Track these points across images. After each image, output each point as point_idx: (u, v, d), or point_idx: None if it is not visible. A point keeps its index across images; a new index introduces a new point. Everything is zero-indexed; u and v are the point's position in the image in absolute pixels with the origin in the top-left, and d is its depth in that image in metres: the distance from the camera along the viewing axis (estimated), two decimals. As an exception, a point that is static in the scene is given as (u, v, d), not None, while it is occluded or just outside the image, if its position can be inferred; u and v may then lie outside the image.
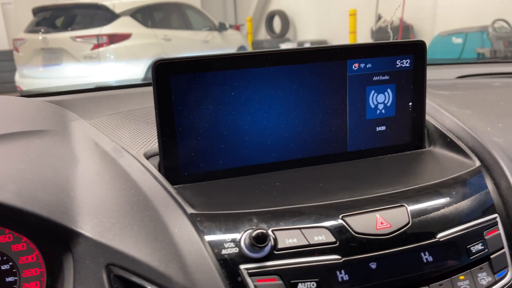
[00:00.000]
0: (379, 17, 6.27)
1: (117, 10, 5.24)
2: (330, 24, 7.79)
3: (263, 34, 9.25)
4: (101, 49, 5.04)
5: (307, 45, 7.60)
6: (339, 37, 7.54)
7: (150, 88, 1.05)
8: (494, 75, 1.15)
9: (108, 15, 5.22)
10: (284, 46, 7.93)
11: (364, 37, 6.71)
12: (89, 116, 0.81)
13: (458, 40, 5.14)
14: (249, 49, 7.45)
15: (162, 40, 5.58)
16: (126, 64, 5.17)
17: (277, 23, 8.74)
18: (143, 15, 5.57)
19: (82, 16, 5.44)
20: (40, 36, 5.11)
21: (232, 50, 6.84)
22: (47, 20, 5.36)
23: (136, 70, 5.19)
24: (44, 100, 0.81)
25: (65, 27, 5.32)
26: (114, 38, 5.11)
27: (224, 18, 9.44)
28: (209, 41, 6.33)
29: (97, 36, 5.04)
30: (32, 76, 5.33)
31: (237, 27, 7.66)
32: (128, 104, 0.92)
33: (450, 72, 1.17)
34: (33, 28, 5.29)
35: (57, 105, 0.83)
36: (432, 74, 1.18)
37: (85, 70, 5.05)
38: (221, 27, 6.61)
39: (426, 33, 6.24)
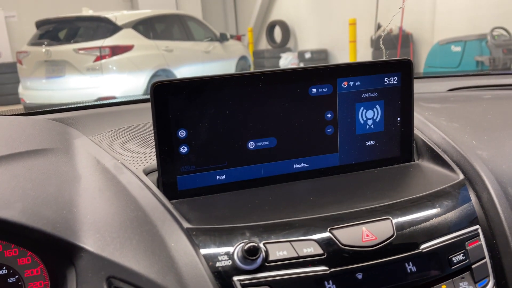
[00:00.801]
0: (378, 26, 6.33)
1: (119, 22, 5.30)
2: (330, 33, 7.85)
3: (264, 44, 9.32)
4: (103, 61, 5.10)
5: (307, 54, 7.65)
6: (340, 46, 7.59)
7: (149, 104, 1.09)
8: (485, 87, 1.18)
9: (111, 27, 5.28)
10: (285, 55, 7.99)
11: (364, 46, 6.76)
12: (91, 133, 0.84)
13: (457, 49, 5.18)
14: (250, 59, 7.50)
15: (163, 51, 5.65)
16: (128, 75, 5.23)
17: (277, 33, 8.81)
18: (144, 27, 5.63)
19: (84, 28, 5.51)
20: (43, 49, 5.18)
21: (233, 60, 6.89)
22: (50, 32, 5.43)
23: (139, 81, 5.24)
24: (47, 118, 0.85)
25: (68, 39, 5.39)
26: (116, 50, 5.17)
27: (225, 28, 9.53)
28: (211, 51, 6.39)
29: (100, 48, 5.10)
30: (35, 88, 5.38)
31: (238, 38, 7.73)
32: (129, 120, 0.96)
33: (442, 85, 1.20)
34: (36, 41, 5.37)
35: (59, 122, 0.86)
36: (424, 87, 1.21)
37: (88, 82, 5.10)
38: (223, 38, 6.67)
39: (426, 41, 6.29)
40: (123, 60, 5.19)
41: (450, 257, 0.56)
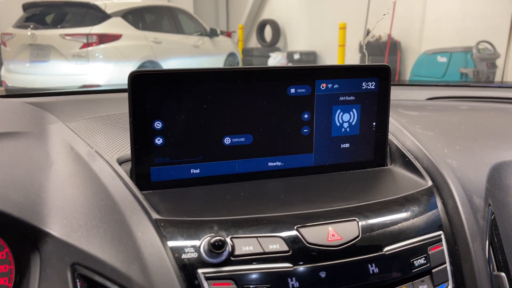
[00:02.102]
0: (368, 32, 6.39)
1: (109, 10, 5.23)
2: (320, 36, 7.89)
3: (253, 42, 9.31)
4: (90, 48, 5.02)
5: (296, 55, 7.68)
6: (329, 50, 7.64)
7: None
8: (463, 98, 1.21)
9: (99, 15, 5.21)
10: (274, 55, 8.00)
11: (353, 51, 6.81)
12: (68, 119, 0.84)
13: (443, 59, 5.26)
14: (239, 56, 7.49)
15: (152, 43, 5.59)
16: (114, 65, 5.16)
17: (268, 32, 8.82)
18: (134, 17, 5.57)
19: (72, 14, 5.42)
20: (28, 32, 5.08)
21: (222, 56, 6.87)
22: (37, 16, 5.33)
23: (125, 71, 5.16)
24: (23, 102, 0.84)
25: (55, 24, 5.29)
26: (104, 38, 5.11)
27: (216, 24, 9.49)
28: (200, 46, 6.36)
29: (87, 35, 5.03)
30: (18, 71, 5.28)
31: (228, 34, 7.70)
32: (107, 109, 0.95)
33: (422, 93, 1.22)
34: (22, 24, 5.26)
35: (37, 106, 0.85)
36: (404, 94, 1.23)
37: (73, 69, 5.02)
38: (212, 33, 6.64)
39: (413, 50, 6.37)
40: (110, 49, 5.13)
41: (412, 260, 0.57)
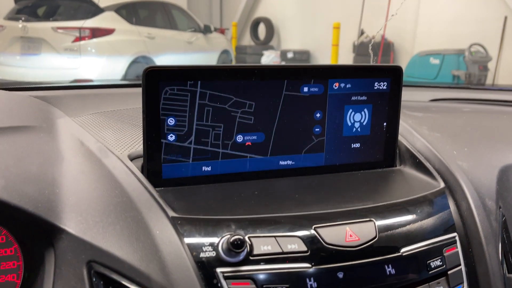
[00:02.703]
0: (362, 32, 6.41)
1: (102, 4, 5.18)
2: (314, 35, 7.90)
3: (247, 40, 9.30)
4: (82, 42, 4.96)
5: (290, 54, 7.68)
6: (322, 49, 7.65)
7: (133, 89, 1.07)
8: (465, 100, 1.22)
9: (92, 9, 5.15)
10: (267, 53, 7.99)
11: (346, 51, 6.84)
12: (73, 114, 0.82)
13: (435, 61, 5.31)
14: (233, 53, 7.47)
15: (145, 38, 5.55)
16: (107, 59, 5.11)
17: (262, 30, 8.81)
18: (127, 11, 5.52)
19: (65, 7, 5.36)
20: (20, 24, 5.01)
21: (215, 53, 6.85)
22: (28, 8, 5.25)
23: (118, 66, 5.13)
24: (29, 95, 0.82)
25: (47, 17, 5.22)
26: (96, 32, 5.05)
27: (209, 21, 9.44)
28: (193, 42, 6.33)
29: (80, 29, 4.97)
30: (8, 64, 5.20)
31: (222, 31, 7.68)
32: (111, 104, 0.94)
33: (425, 95, 1.23)
34: (14, 16, 5.18)
35: (41, 100, 0.84)
36: (407, 95, 1.23)
37: (64, 63, 4.96)
38: (206, 30, 6.61)
39: (406, 51, 6.42)
40: (103, 43, 5.08)
41: (428, 262, 0.57)
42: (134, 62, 5.27)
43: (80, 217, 0.53)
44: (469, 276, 0.60)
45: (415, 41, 6.33)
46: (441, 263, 0.58)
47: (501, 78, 5.45)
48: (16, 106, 0.72)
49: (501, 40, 5.39)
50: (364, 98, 0.71)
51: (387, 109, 0.73)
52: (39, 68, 5.04)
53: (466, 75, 4.98)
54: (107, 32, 5.13)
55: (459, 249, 0.60)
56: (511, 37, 5.38)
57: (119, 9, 5.37)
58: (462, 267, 0.60)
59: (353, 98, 0.71)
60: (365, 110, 0.72)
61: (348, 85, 0.70)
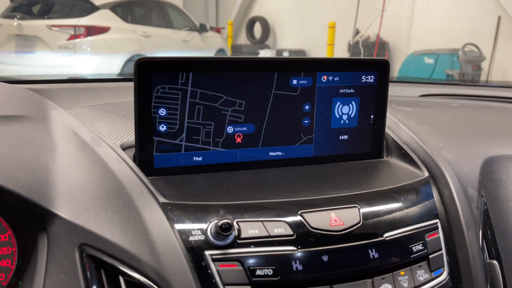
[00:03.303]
0: (357, 32, 6.44)
1: (97, 2, 5.17)
2: (309, 34, 7.92)
3: (243, 39, 9.31)
4: (77, 40, 4.95)
5: (285, 53, 7.70)
6: (317, 48, 7.68)
7: (126, 83, 1.09)
8: (454, 96, 1.24)
9: (87, 6, 5.14)
10: (263, 52, 8.01)
11: (341, 50, 6.86)
12: (67, 106, 0.84)
13: (429, 61, 5.35)
14: (228, 52, 7.48)
15: (141, 37, 5.55)
16: (102, 57, 5.10)
17: (257, 29, 8.82)
18: (123, 10, 5.51)
19: (60, 5, 5.35)
20: (15, 22, 4.99)
21: (211, 52, 6.85)
22: (23, 6, 5.24)
23: (113, 64, 5.13)
24: (24, 87, 0.84)
25: (42, 15, 5.21)
26: (92, 30, 5.04)
27: (205, 19, 9.45)
28: (189, 41, 6.33)
29: (75, 27, 4.96)
30: (3, 61, 5.19)
31: (217, 30, 7.68)
32: (105, 98, 0.95)
33: (414, 90, 1.25)
34: (9, 14, 5.17)
35: (36, 92, 0.85)
36: (397, 90, 1.25)
37: (59, 60, 4.95)
38: (202, 28, 6.61)
39: (401, 50, 6.45)
40: (98, 42, 5.07)
41: (410, 246, 0.59)
42: (129, 60, 5.26)
43: (72, 202, 0.54)
44: (450, 260, 0.62)
45: (409, 40, 6.36)
46: (422, 248, 0.60)
47: (495, 78, 5.49)
48: (11, 96, 0.73)
49: (494, 40, 5.43)
50: (351, 91, 0.73)
51: (374, 101, 0.75)
52: (34, 66, 5.03)
53: (460, 75, 5.02)
54: (102, 30, 5.13)
55: (440, 234, 0.62)
56: (504, 37, 5.42)
57: (114, 7, 5.36)
58: (443, 251, 0.62)
59: (341, 91, 0.73)
60: (353, 102, 0.74)
61: (336, 78, 0.72)
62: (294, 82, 0.69)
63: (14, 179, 0.53)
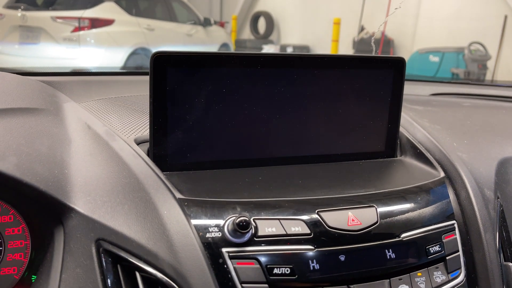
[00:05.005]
0: (362, 29, 6.42)
1: (102, -5, 5.16)
2: (314, 30, 7.89)
3: (247, 34, 9.28)
4: (81, 32, 4.94)
5: (289, 48, 7.68)
6: (322, 44, 7.65)
7: (136, 77, 1.08)
8: (465, 95, 1.23)
9: (92, -1, 5.14)
10: (267, 47, 7.98)
11: (346, 47, 6.84)
12: (78, 99, 0.83)
13: (435, 59, 5.32)
14: (232, 46, 7.46)
15: (145, 30, 5.53)
16: (106, 50, 5.09)
17: (261, 24, 8.79)
18: (127, 2, 5.49)
19: (64, -4, 5.34)
20: (19, 13, 4.98)
21: (215, 46, 6.83)
22: (28, -3, 5.23)
23: (116, 57, 5.12)
24: (36, 79, 0.83)
25: (46, 6, 5.20)
26: (96, 23, 5.03)
27: (209, 13, 9.41)
28: (193, 35, 6.31)
29: (79, 19, 4.95)
30: (7, 52, 5.18)
31: (221, 24, 7.65)
32: (115, 91, 0.95)
33: (425, 89, 1.24)
34: (13, 4, 5.16)
35: (47, 85, 0.85)
36: (408, 89, 1.24)
37: (63, 52, 4.94)
38: (206, 23, 6.59)
39: (406, 48, 6.42)
40: (102, 34, 5.06)
41: (427, 247, 0.59)
42: (133, 53, 5.25)
43: (88, 196, 0.54)
44: (467, 262, 0.62)
45: (415, 38, 6.34)
46: (439, 249, 0.59)
47: (500, 77, 5.47)
48: (24, 89, 0.73)
49: (500, 39, 5.40)
50: (367, 88, 0.72)
51: (389, 100, 0.74)
52: (38, 58, 5.02)
53: (465, 73, 5.00)
54: (107, 22, 5.11)
55: (457, 236, 0.62)
56: (510, 36, 5.40)
57: (119, 0, 5.34)
58: (460, 253, 0.61)
59: (357, 88, 0.72)
60: (368, 100, 0.73)
61: (352, 75, 0.71)
62: (310, 78, 0.68)
63: (32, 171, 0.53)
